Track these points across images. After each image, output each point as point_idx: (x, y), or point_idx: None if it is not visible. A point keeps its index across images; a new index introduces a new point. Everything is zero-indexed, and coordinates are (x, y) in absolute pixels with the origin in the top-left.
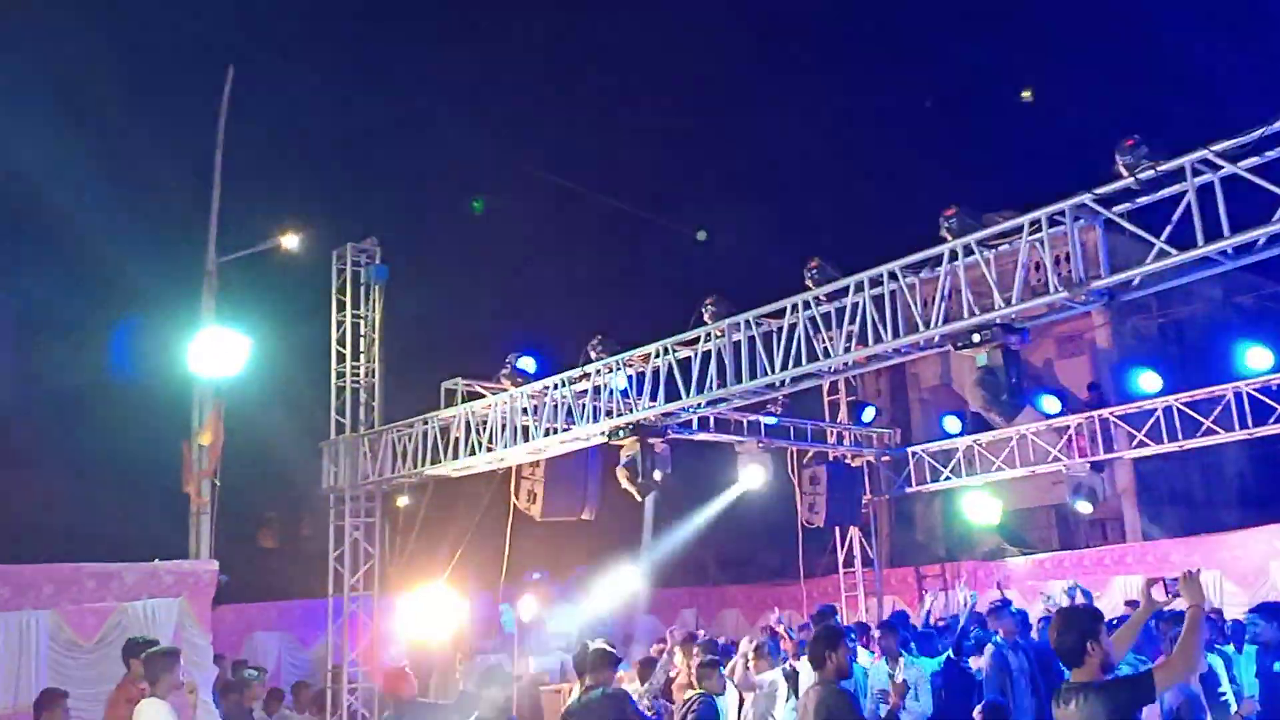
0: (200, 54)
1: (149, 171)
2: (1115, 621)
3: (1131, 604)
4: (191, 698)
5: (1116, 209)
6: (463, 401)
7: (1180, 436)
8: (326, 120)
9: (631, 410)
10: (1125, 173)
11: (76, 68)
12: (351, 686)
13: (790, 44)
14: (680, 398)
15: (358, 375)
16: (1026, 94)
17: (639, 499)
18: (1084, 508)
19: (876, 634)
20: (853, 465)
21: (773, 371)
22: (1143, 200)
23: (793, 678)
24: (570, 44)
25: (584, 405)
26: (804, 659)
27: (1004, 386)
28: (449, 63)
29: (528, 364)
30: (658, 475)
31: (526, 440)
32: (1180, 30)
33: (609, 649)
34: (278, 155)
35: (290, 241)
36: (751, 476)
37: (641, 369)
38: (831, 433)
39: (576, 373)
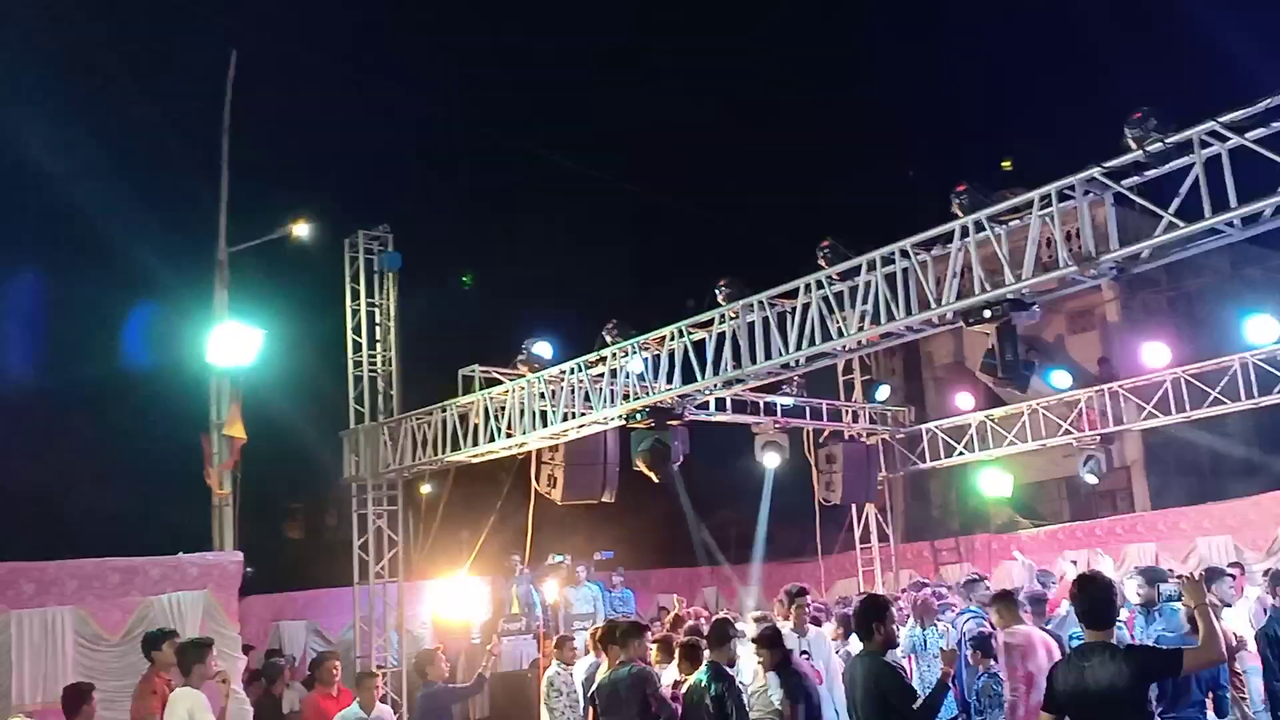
0: (213, 37)
1: (164, 159)
2: None
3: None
4: (224, 687)
5: (1125, 182)
6: (480, 388)
7: (1188, 407)
8: (336, 105)
9: (648, 393)
10: (1134, 145)
11: (87, 50)
12: (381, 670)
13: (800, 23)
14: (696, 379)
15: (375, 364)
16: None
17: (655, 481)
18: (1091, 479)
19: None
20: (868, 443)
21: (787, 351)
22: (1151, 173)
23: None
24: (584, 27)
25: (601, 389)
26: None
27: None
28: (462, 47)
29: (544, 349)
30: (674, 457)
31: (545, 425)
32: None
33: (638, 621)
34: (289, 142)
35: (301, 230)
36: (769, 456)
37: (657, 352)
38: (847, 412)
39: (593, 356)
